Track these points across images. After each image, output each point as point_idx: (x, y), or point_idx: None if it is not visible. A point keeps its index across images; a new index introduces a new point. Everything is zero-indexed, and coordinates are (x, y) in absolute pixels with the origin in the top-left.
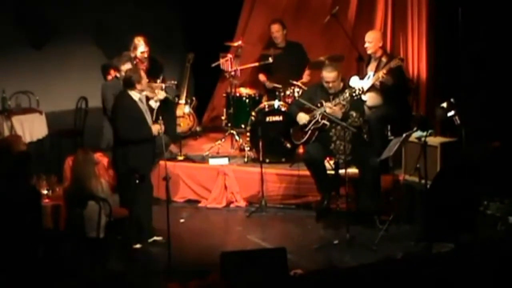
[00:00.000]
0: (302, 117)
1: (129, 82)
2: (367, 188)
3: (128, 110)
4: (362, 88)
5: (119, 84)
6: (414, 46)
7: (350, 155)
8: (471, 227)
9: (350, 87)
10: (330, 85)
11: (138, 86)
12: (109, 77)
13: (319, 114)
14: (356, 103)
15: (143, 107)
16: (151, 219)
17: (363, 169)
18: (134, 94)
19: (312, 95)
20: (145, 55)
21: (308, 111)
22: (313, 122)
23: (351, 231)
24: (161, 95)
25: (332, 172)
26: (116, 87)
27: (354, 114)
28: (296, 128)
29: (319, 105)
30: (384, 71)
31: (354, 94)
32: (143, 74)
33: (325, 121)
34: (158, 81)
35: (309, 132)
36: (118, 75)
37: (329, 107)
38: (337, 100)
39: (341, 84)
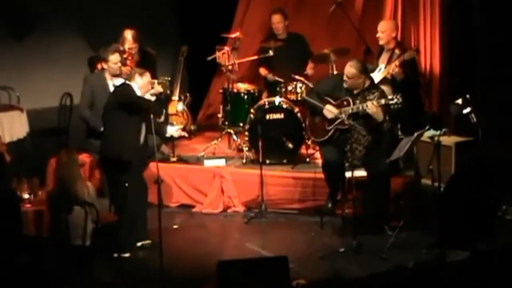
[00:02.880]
0: (331, 111)
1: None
2: (375, 192)
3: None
4: (400, 96)
5: (102, 77)
6: (426, 38)
7: (362, 159)
8: (489, 233)
9: (377, 87)
10: (345, 78)
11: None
12: (96, 71)
13: (346, 114)
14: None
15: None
16: (146, 222)
17: (372, 171)
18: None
19: (333, 88)
20: (132, 51)
21: (333, 104)
22: (338, 121)
23: (358, 238)
24: (158, 89)
25: None
26: (98, 80)
27: (387, 117)
28: (314, 121)
29: (345, 103)
30: (397, 63)
31: (391, 103)
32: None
33: (351, 122)
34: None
35: (332, 131)
36: (105, 66)
37: (372, 106)
38: (382, 101)
39: (367, 82)
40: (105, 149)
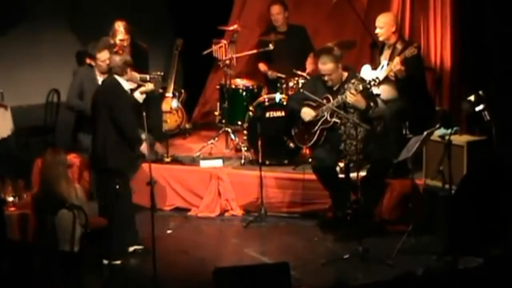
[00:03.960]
0: (307, 113)
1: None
2: (372, 187)
3: (128, 100)
4: (377, 78)
5: (92, 71)
6: (436, 30)
7: (361, 154)
8: (503, 239)
9: (355, 75)
10: (326, 78)
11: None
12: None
13: (327, 111)
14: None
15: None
16: (135, 226)
17: (371, 165)
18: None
19: (312, 89)
20: (125, 43)
21: (313, 106)
22: (322, 120)
23: (364, 244)
24: (149, 86)
25: (342, 176)
26: (88, 73)
27: (371, 104)
28: (300, 129)
29: (325, 100)
30: (398, 60)
31: (368, 86)
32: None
33: (335, 119)
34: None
35: (317, 132)
36: (93, 63)
37: (351, 95)
38: (359, 87)
39: (345, 74)
40: (96, 156)
